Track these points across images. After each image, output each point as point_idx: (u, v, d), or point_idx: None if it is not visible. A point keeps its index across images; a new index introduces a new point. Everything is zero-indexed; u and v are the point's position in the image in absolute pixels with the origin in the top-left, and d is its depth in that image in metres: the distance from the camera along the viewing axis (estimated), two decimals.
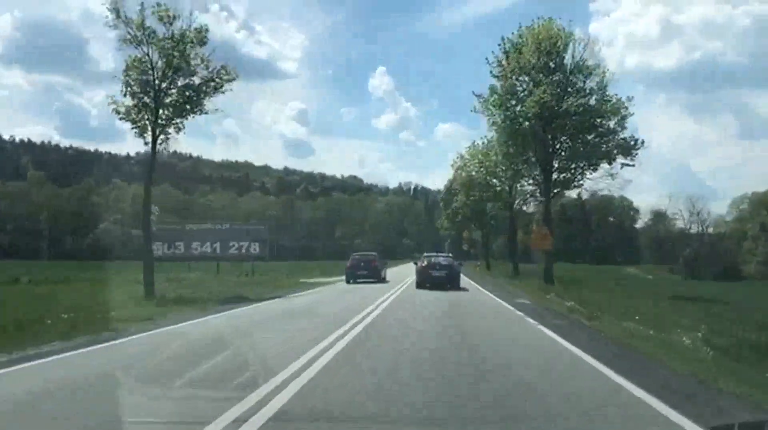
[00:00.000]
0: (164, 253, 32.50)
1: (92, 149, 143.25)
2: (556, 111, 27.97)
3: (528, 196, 40.75)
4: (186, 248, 35.00)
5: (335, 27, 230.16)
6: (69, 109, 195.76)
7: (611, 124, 28.32)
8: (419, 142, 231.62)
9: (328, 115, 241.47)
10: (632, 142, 28.52)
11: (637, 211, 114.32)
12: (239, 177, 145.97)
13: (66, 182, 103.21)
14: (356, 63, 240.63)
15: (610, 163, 28.71)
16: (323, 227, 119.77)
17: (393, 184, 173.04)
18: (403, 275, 37.76)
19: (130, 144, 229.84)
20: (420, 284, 25.71)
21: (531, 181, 33.55)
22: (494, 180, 41.42)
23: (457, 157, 51.21)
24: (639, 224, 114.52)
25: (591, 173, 29.61)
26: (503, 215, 51.91)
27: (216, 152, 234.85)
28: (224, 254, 36.16)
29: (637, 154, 28.36)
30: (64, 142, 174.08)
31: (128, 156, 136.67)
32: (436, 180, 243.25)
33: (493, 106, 29.46)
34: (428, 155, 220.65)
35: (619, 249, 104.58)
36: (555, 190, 31.39)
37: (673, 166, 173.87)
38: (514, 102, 29.16)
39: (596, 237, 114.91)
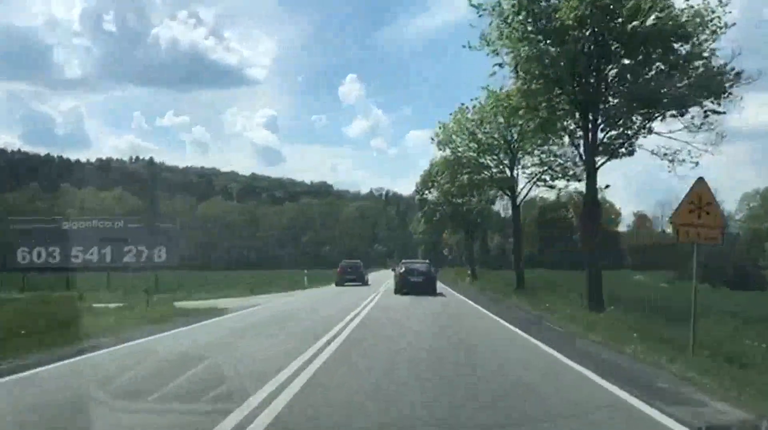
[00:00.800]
0: (32, 261, 24.09)
1: (55, 155, 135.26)
2: (608, 22, 17.75)
3: (540, 175, 29.99)
4: (62, 254, 26.01)
5: (305, 34, 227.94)
6: (33, 116, 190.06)
7: (688, 47, 17.68)
8: (390, 150, 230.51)
9: (298, 122, 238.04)
10: (730, 73, 17.54)
11: (618, 213, 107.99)
12: (201, 182, 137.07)
13: (13, 187, 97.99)
14: (327, 70, 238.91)
15: (683, 112, 18.11)
16: (289, 233, 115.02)
17: (365, 191, 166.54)
18: (378, 281, 37.71)
19: (94, 151, 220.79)
20: (398, 290, 26.18)
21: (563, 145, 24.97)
22: (487, 159, 31.89)
23: (439, 129, 33.39)
24: (621, 228, 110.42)
25: (657, 125, 19.01)
26: (488, 210, 44.69)
27: (186, 160, 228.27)
28: (117, 263, 27.55)
29: (731, 93, 17.59)
30: (27, 149, 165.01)
31: (87, 162, 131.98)
32: (409, 186, 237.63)
33: (506, 23, 18.46)
34: (400, 162, 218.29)
35: (602, 254, 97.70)
36: (601, 160, 19.81)
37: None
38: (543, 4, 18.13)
39: (576, 241, 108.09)
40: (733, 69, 17.43)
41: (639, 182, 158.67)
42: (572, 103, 19.01)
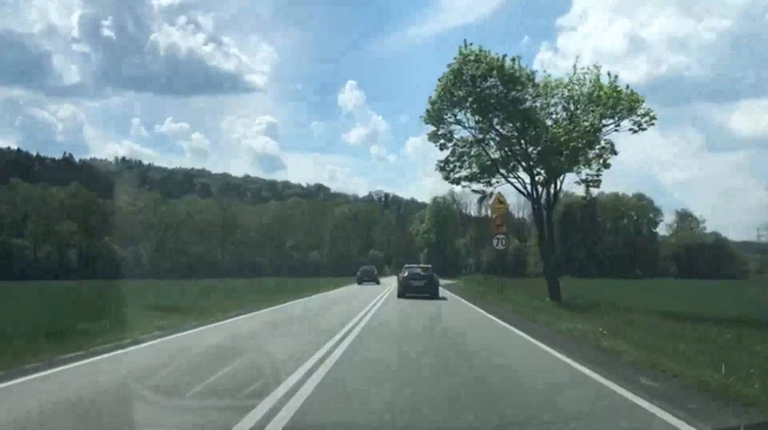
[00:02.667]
0: None
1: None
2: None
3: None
4: None
5: (305, 41, 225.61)
6: (31, 122, 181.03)
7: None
8: (390, 156, 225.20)
9: (298, 129, 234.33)
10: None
11: (658, 211, 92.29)
12: (183, 182, 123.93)
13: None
14: (326, 77, 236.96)
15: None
16: (270, 237, 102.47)
17: (363, 194, 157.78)
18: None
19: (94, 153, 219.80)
20: (401, 294, 26.85)
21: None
22: None
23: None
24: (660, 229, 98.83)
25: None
26: None
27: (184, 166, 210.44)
28: None
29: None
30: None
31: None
32: (408, 191, 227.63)
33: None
34: (399, 169, 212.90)
35: (636, 259, 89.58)
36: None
37: (641, 178, 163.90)
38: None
39: (607, 245, 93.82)
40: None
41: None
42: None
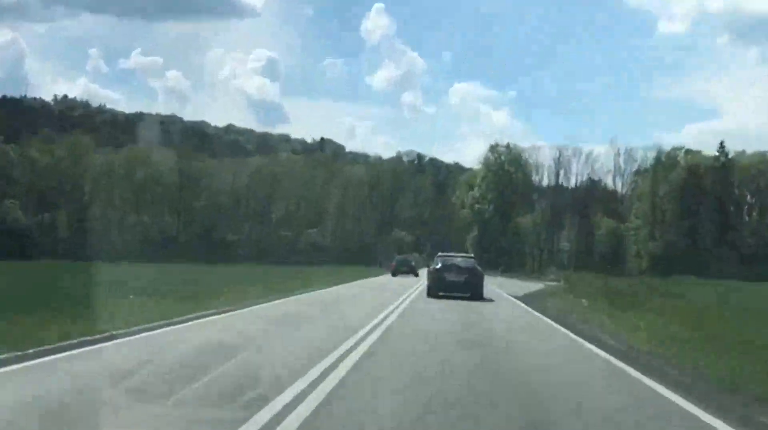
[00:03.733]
0: None
1: None
2: None
3: None
4: None
5: None
6: None
7: None
8: (428, 107, 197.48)
9: (305, 68, 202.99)
10: None
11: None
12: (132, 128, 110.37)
13: None
14: None
15: None
16: (251, 205, 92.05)
17: (388, 155, 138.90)
18: None
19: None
20: (432, 292, 26.05)
21: None
22: None
23: None
24: None
25: None
26: None
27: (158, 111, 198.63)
28: None
29: None
30: None
31: None
32: (452, 154, 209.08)
33: None
34: (440, 125, 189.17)
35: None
36: None
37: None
38: None
39: (748, 229, 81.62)
40: None
41: None
42: None
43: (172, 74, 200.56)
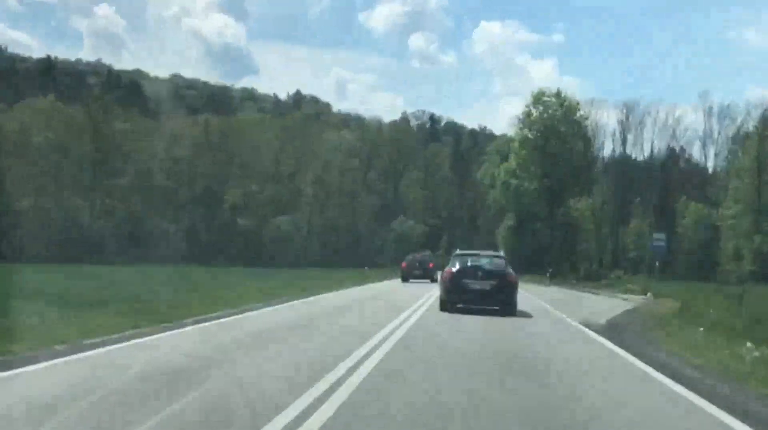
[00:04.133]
0: None
1: None
2: None
3: None
4: None
5: None
6: None
7: None
8: (445, 56, 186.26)
9: (282, 3, 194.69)
10: None
11: None
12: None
13: None
14: None
15: None
16: (192, 182, 77.84)
17: (392, 117, 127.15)
18: None
19: None
20: (448, 304, 22.39)
21: None
22: None
23: None
24: None
25: None
26: None
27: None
28: None
29: None
30: None
31: None
32: (476, 117, 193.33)
33: None
34: (462, 80, 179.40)
35: None
36: None
37: None
38: None
39: None
40: None
41: None
42: None
43: (103, 11, 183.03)
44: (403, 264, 45.53)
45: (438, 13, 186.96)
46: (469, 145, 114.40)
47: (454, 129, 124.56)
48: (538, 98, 73.40)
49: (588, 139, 79.40)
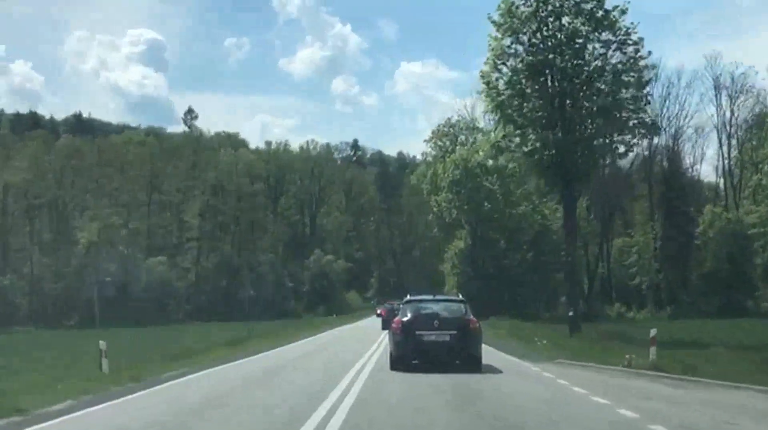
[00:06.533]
0: None
1: None
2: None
3: None
4: None
5: None
6: None
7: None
8: (367, 97, 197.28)
9: (201, 52, 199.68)
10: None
11: None
12: None
13: None
14: None
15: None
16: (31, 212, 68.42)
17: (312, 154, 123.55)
18: None
19: None
20: (399, 361, 19.75)
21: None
22: None
23: None
24: None
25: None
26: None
27: None
28: None
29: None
30: None
31: None
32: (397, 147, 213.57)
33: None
34: (385, 118, 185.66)
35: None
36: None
37: None
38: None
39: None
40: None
41: None
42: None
43: (18, 67, 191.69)
44: (382, 311, 49.45)
45: (359, 57, 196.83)
46: (395, 171, 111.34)
47: (380, 158, 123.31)
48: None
49: None
